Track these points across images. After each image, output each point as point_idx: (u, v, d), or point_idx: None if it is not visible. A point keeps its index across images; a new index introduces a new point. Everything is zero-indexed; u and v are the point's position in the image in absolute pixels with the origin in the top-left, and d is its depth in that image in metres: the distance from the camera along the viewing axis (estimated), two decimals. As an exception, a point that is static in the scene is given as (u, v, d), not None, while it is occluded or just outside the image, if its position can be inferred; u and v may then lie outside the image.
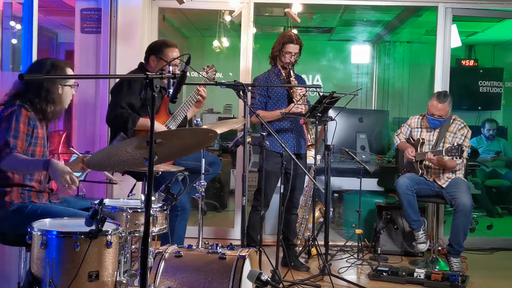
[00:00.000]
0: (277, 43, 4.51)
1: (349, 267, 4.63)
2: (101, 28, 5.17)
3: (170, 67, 2.96)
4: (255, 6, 5.45)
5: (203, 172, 3.38)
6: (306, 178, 4.76)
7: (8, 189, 2.90)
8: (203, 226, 3.37)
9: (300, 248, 4.85)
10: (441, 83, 5.37)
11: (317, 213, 4.98)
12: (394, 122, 7.50)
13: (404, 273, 4.26)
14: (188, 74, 2.39)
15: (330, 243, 4.50)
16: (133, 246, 3.19)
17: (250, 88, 4.10)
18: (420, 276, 4.20)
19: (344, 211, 6.19)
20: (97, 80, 5.16)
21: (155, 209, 3.03)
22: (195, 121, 3.49)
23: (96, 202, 2.54)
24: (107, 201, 3.22)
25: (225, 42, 7.73)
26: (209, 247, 2.96)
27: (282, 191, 4.14)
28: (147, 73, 2.18)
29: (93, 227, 2.39)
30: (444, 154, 4.35)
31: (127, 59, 4.97)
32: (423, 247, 4.70)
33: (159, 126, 3.80)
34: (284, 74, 4.52)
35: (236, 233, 5.39)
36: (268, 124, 3.80)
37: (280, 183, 4.18)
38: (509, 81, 8.36)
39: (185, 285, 2.79)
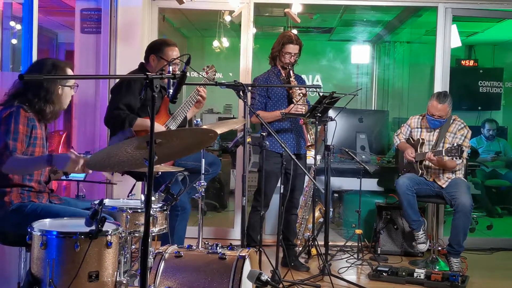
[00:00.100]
0: (276, 44, 4.51)
1: (349, 267, 4.63)
2: (101, 28, 5.17)
3: (170, 67, 2.95)
4: (255, 6, 5.45)
5: (203, 172, 3.38)
6: (306, 178, 4.76)
7: (7, 190, 2.90)
8: (203, 226, 3.37)
9: (300, 248, 4.85)
10: (441, 83, 5.37)
11: (317, 213, 4.98)
12: (394, 122, 7.50)
13: (404, 273, 4.26)
14: (188, 74, 2.39)
15: (330, 243, 4.50)
16: (133, 246, 3.19)
17: (250, 88, 4.10)
18: (420, 276, 4.20)
19: (344, 211, 6.19)
20: (97, 80, 5.17)
21: (155, 209, 3.03)
22: (195, 121, 3.49)
23: (96, 202, 2.54)
24: (107, 201, 3.22)
25: (225, 42, 7.73)
26: (209, 247, 2.96)
27: (282, 191, 4.14)
28: (147, 73, 2.18)
29: (93, 227, 2.39)
30: (444, 154, 4.36)
31: (127, 59, 4.97)
32: (423, 247, 4.70)
33: (158, 127, 3.79)
34: (284, 75, 4.52)
35: (236, 233, 5.39)
36: (268, 125, 3.80)
37: (280, 183, 4.18)
38: (509, 81, 8.36)
39: (185, 285, 2.79)
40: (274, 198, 4.63)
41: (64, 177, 3.53)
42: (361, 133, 5.81)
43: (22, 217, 2.83)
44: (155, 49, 3.94)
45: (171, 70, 2.60)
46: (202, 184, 3.31)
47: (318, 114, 4.21)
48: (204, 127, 3.25)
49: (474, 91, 8.05)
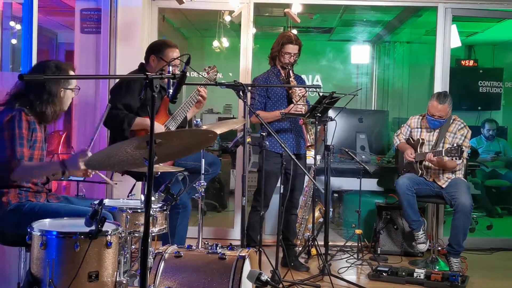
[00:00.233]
0: (276, 44, 4.51)
1: (349, 267, 4.63)
2: (101, 28, 5.17)
3: (170, 68, 2.95)
4: (255, 6, 5.45)
5: (203, 172, 3.38)
6: (306, 178, 4.76)
7: (5, 190, 2.90)
8: (203, 226, 3.37)
9: (300, 248, 4.85)
10: (441, 83, 5.37)
11: (317, 213, 4.98)
12: (394, 122, 7.50)
13: (404, 273, 4.26)
14: (188, 74, 2.39)
15: (330, 243, 4.50)
16: (133, 246, 3.19)
17: (249, 88, 4.10)
18: (420, 276, 4.20)
19: (344, 211, 6.19)
20: (97, 81, 5.16)
21: (155, 209, 3.03)
22: (195, 121, 3.49)
23: (96, 202, 2.54)
24: (107, 201, 3.22)
25: (225, 42, 7.73)
26: (209, 247, 2.96)
27: (281, 191, 4.14)
28: (147, 73, 2.18)
29: (93, 228, 2.39)
30: (443, 154, 4.36)
31: (127, 59, 4.97)
32: (423, 247, 4.70)
33: (158, 126, 3.79)
34: (283, 74, 4.52)
35: (236, 233, 5.39)
36: (268, 125, 3.80)
37: (280, 183, 4.18)
38: (509, 81, 8.36)
39: (185, 285, 2.79)
40: (274, 198, 4.63)
41: (62, 178, 3.53)
42: (361, 133, 5.81)
43: (20, 217, 2.83)
44: (156, 49, 3.94)
45: (171, 71, 2.61)
46: (202, 184, 3.31)
47: (318, 114, 4.22)
48: (204, 127, 3.26)
49: (474, 91, 8.06)
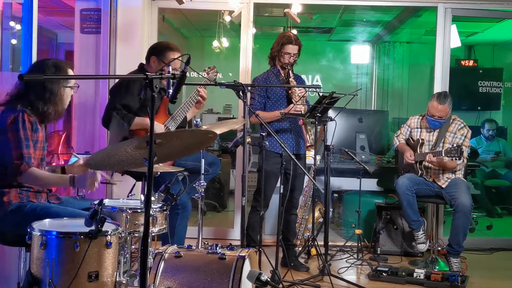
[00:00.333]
0: (276, 44, 4.51)
1: (348, 267, 4.63)
2: (101, 29, 5.17)
3: (170, 69, 2.95)
4: (254, 6, 5.45)
5: (202, 172, 3.38)
6: (306, 178, 4.76)
7: (6, 190, 2.90)
8: (203, 226, 3.38)
9: (300, 248, 4.85)
10: (440, 83, 5.37)
11: (316, 213, 4.98)
12: (393, 123, 7.50)
13: (403, 273, 4.26)
14: (188, 74, 2.39)
15: (329, 243, 4.50)
16: (133, 247, 3.19)
17: (249, 88, 4.10)
18: (419, 276, 4.20)
19: (343, 211, 6.20)
20: (96, 81, 5.16)
21: (154, 209, 3.03)
22: (194, 122, 3.49)
23: (96, 202, 2.54)
24: (106, 201, 3.22)
25: (225, 43, 7.73)
26: (209, 248, 2.97)
27: (281, 191, 4.14)
28: (147, 73, 2.18)
29: (93, 228, 2.39)
30: (443, 155, 4.36)
31: (127, 59, 4.97)
32: (422, 247, 4.70)
33: (158, 126, 3.80)
34: (283, 75, 4.52)
35: (235, 234, 5.39)
36: (268, 125, 3.80)
37: (280, 183, 4.19)
38: (509, 82, 8.37)
39: (184, 285, 2.79)
40: (273, 198, 4.63)
41: None
42: (361, 133, 5.81)
43: (21, 217, 2.83)
44: (157, 51, 3.94)
45: (170, 72, 2.60)
46: (202, 184, 3.31)
47: (317, 114, 4.22)
48: (204, 127, 3.26)
49: (473, 91, 8.06)
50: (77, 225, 2.60)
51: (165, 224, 3.15)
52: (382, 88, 8.80)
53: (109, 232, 2.49)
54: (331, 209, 5.14)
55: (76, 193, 4.36)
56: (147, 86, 2.16)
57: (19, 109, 2.90)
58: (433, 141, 4.67)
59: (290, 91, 4.45)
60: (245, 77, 5.38)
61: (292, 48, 4.43)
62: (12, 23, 4.97)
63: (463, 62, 8.40)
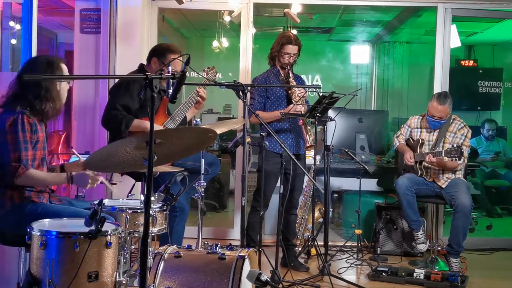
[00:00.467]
0: (276, 44, 4.51)
1: (348, 267, 4.63)
2: (101, 29, 5.17)
3: (170, 70, 2.94)
4: (254, 6, 5.45)
5: (202, 172, 3.38)
6: (306, 178, 4.76)
7: (8, 190, 2.90)
8: (203, 226, 3.37)
9: (300, 249, 4.84)
10: (440, 83, 5.37)
11: (316, 213, 4.98)
12: (393, 123, 7.50)
13: (403, 273, 4.26)
14: (187, 74, 2.39)
15: (329, 243, 4.49)
16: (133, 247, 3.19)
17: (249, 88, 4.10)
18: (419, 276, 4.20)
19: (343, 211, 6.19)
20: (96, 81, 5.16)
21: (154, 209, 3.02)
22: (194, 122, 3.49)
23: (96, 202, 2.54)
24: (106, 202, 3.22)
25: (225, 43, 7.73)
26: (209, 248, 2.96)
27: (281, 191, 4.14)
28: (147, 73, 2.18)
29: (93, 228, 2.39)
30: (443, 155, 4.36)
31: (127, 59, 4.97)
32: (422, 247, 4.70)
33: (156, 127, 3.78)
34: (283, 75, 4.51)
35: (235, 234, 5.39)
36: (268, 125, 3.80)
37: (280, 183, 4.19)
38: (509, 82, 8.37)
39: (184, 286, 2.79)
40: (273, 198, 4.62)
41: None
42: (361, 133, 5.81)
43: (22, 217, 2.83)
44: (159, 53, 3.94)
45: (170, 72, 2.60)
46: (202, 184, 3.31)
47: (317, 114, 4.21)
48: (204, 127, 3.25)
49: (473, 91, 8.06)
50: (77, 225, 2.60)
51: (165, 224, 3.15)
52: (382, 88, 8.80)
53: (109, 232, 2.49)
54: (331, 209, 5.14)
55: (76, 193, 4.36)
56: (147, 86, 2.16)
57: (18, 111, 2.90)
58: (433, 141, 4.67)
59: (290, 91, 4.44)
60: (245, 77, 5.38)
61: (292, 48, 4.43)
62: (12, 23, 4.97)
63: (463, 62, 8.40)
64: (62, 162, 5.14)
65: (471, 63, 8.41)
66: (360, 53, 8.70)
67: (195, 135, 2.62)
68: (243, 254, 2.87)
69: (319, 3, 5.69)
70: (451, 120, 4.68)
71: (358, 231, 4.92)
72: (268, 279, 2.57)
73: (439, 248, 4.80)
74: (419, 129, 4.78)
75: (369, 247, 5.16)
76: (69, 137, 5.82)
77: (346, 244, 5.21)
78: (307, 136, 4.39)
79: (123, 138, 2.43)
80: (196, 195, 3.37)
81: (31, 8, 4.12)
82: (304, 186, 4.87)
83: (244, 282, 2.77)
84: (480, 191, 6.96)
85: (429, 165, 4.59)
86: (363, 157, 5.54)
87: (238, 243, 3.64)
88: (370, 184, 5.49)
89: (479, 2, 5.38)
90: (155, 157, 2.22)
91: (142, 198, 3.11)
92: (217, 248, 2.95)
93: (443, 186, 4.59)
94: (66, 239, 2.42)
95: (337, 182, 5.53)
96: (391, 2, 5.71)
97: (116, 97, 3.80)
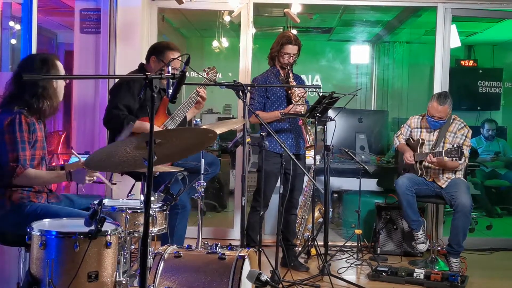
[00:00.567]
0: (275, 44, 4.51)
1: (348, 267, 4.63)
2: (101, 29, 5.17)
3: (170, 69, 2.95)
4: (254, 6, 5.45)
5: (202, 172, 3.37)
6: (306, 178, 4.76)
7: (7, 190, 2.90)
8: (203, 226, 3.37)
9: (300, 249, 4.84)
10: (440, 83, 5.37)
11: (316, 213, 4.98)
12: (393, 123, 7.50)
13: (403, 273, 4.26)
14: (187, 74, 2.39)
15: (329, 243, 4.49)
16: (133, 247, 3.18)
17: (249, 88, 4.10)
18: (419, 276, 4.20)
19: (343, 211, 6.19)
20: (96, 81, 5.16)
21: (154, 209, 3.02)
22: (194, 122, 3.49)
23: (96, 202, 2.54)
24: (106, 201, 3.22)
25: (225, 43, 7.73)
26: (209, 248, 2.96)
27: (281, 191, 4.14)
28: (146, 73, 2.18)
29: (93, 228, 2.39)
30: (443, 155, 4.36)
31: (127, 59, 4.97)
32: (422, 247, 4.70)
33: (156, 129, 3.78)
34: (282, 75, 4.51)
35: (235, 234, 5.39)
36: (268, 125, 3.80)
37: (279, 183, 4.19)
38: (509, 82, 8.37)
39: (184, 286, 2.79)
40: (273, 198, 4.62)
41: None
42: (361, 133, 5.81)
43: (22, 217, 2.83)
44: (157, 51, 3.94)
45: (170, 72, 2.60)
46: (202, 184, 3.30)
47: (317, 114, 4.21)
48: (204, 127, 3.25)
49: (473, 91, 8.06)
50: (77, 225, 2.60)
51: (165, 224, 3.14)
52: (382, 88, 8.80)
53: (109, 232, 2.49)
54: (331, 209, 5.14)
55: (76, 190, 4.37)
56: (147, 86, 2.16)
57: (16, 111, 2.90)
58: (433, 141, 4.67)
59: (289, 91, 4.44)
60: (244, 77, 5.38)
61: (291, 48, 4.43)
62: (11, 23, 4.97)
63: (463, 62, 8.40)
64: (62, 162, 5.15)
65: (471, 63, 8.42)
66: (360, 53, 8.70)
67: (195, 135, 2.62)
68: (243, 254, 2.87)
69: (319, 3, 5.69)
70: (451, 120, 4.68)
71: (358, 231, 4.92)
72: (268, 279, 2.57)
73: (439, 248, 4.81)
74: (419, 129, 4.78)
75: (369, 247, 5.16)
76: (69, 137, 5.82)
77: (346, 244, 5.21)
78: (307, 136, 4.39)
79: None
80: (196, 195, 3.37)
81: (31, 8, 4.12)
82: (304, 186, 4.87)
83: (244, 282, 2.77)
84: (480, 191, 6.96)
85: (429, 165, 4.59)
86: (363, 157, 5.55)
87: (238, 243, 3.64)
88: (370, 184, 5.49)
89: (479, 2, 5.38)
90: (155, 157, 2.22)
91: (142, 198, 3.11)
92: (217, 248, 2.95)
93: (443, 186, 4.59)
94: (66, 239, 2.41)
95: (337, 182, 5.53)
96: (391, 2, 5.71)
97: (118, 96, 3.80)
